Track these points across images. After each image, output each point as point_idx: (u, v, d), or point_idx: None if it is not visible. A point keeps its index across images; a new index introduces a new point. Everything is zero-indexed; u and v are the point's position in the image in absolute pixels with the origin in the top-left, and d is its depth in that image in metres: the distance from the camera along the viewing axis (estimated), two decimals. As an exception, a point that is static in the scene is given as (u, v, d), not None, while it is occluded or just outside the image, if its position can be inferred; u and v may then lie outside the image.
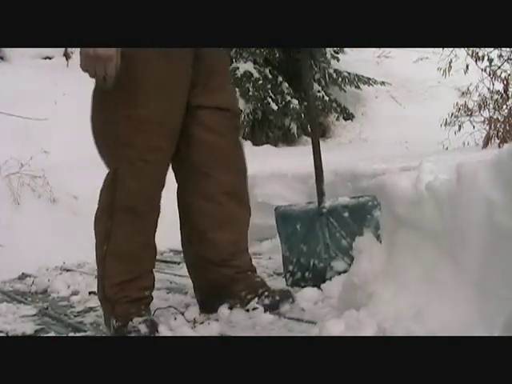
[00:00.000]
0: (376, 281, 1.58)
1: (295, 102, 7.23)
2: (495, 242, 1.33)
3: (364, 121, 8.06)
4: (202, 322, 2.12)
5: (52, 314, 2.54)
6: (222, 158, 2.21)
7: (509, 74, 5.27)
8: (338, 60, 7.86)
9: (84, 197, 4.25)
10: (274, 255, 3.06)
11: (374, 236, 1.71)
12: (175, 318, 2.15)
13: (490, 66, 5.34)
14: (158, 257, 2.28)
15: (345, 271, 2.16)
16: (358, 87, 7.99)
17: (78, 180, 4.44)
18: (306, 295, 2.22)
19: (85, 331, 2.22)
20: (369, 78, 7.90)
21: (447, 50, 5.70)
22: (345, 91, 8.05)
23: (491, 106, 5.21)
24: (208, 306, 2.23)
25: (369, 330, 1.44)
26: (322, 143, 2.52)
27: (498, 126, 4.92)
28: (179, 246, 2.41)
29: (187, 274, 2.40)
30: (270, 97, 7.19)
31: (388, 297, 1.52)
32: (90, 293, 2.71)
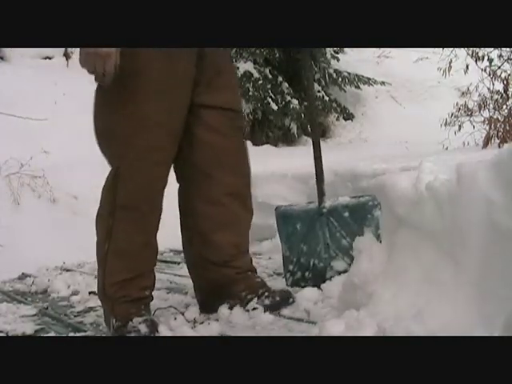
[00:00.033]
0: (376, 281, 1.57)
1: (295, 101, 7.23)
2: (495, 242, 1.33)
3: (364, 121, 8.06)
4: (202, 322, 2.12)
5: (52, 314, 2.54)
6: (225, 159, 2.20)
7: (509, 74, 5.27)
8: (338, 60, 7.86)
9: (84, 197, 4.26)
10: (274, 255, 3.06)
11: (374, 236, 1.70)
12: (175, 318, 2.15)
13: (490, 66, 5.33)
14: (158, 257, 2.28)
15: (345, 271, 2.16)
16: (357, 87, 7.99)
17: (78, 180, 4.44)
18: (306, 295, 2.22)
19: (85, 331, 2.22)
20: (369, 78, 7.90)
21: (447, 50, 5.70)
22: (345, 91, 8.04)
23: (491, 106, 5.21)
24: (208, 306, 2.23)
25: (369, 330, 1.44)
26: (322, 143, 2.52)
27: (498, 125, 4.91)
28: (179, 246, 2.41)
29: (187, 274, 2.41)
30: (270, 97, 7.19)
31: (388, 297, 1.52)
32: (89, 293, 2.71)
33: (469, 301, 1.36)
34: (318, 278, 2.37)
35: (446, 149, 5.17)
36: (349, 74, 7.89)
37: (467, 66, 5.53)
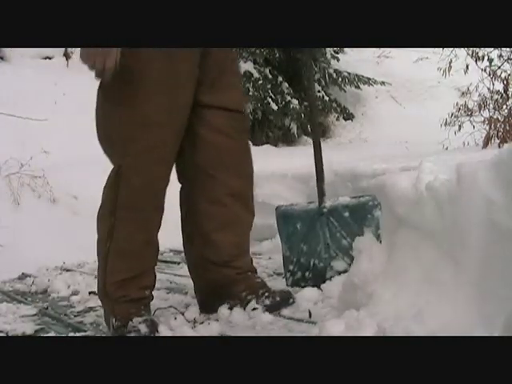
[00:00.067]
0: (376, 281, 1.57)
1: (295, 101, 7.23)
2: (495, 242, 1.33)
3: (364, 121, 8.06)
4: (202, 322, 2.12)
5: (52, 314, 2.54)
6: (228, 159, 2.20)
7: (509, 74, 5.27)
8: (338, 60, 7.86)
9: (84, 197, 4.26)
10: (274, 255, 3.06)
11: (375, 236, 1.70)
12: (175, 318, 2.15)
13: (490, 66, 5.34)
14: (158, 257, 2.28)
15: (345, 271, 2.16)
16: (358, 87, 7.99)
17: (78, 180, 4.44)
18: (306, 295, 2.22)
19: (85, 331, 2.22)
20: (369, 78, 7.90)
21: (447, 50, 5.70)
22: (345, 91, 8.05)
23: (491, 106, 5.21)
24: (208, 306, 2.23)
25: (369, 330, 1.44)
26: (322, 143, 2.52)
27: (498, 125, 4.92)
28: (179, 246, 2.41)
29: (187, 274, 2.40)
30: (270, 97, 7.19)
31: (388, 297, 1.52)
32: (89, 293, 2.71)
33: (469, 301, 1.36)
34: (318, 278, 2.37)
35: (446, 149, 5.17)
36: (349, 73, 7.90)
37: (467, 66, 5.53)
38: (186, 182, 2.26)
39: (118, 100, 2.06)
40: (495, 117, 5.08)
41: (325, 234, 2.40)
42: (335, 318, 1.61)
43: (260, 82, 7.12)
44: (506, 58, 5.33)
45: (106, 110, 2.10)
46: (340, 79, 7.84)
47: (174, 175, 2.24)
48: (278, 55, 7.40)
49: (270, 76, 7.32)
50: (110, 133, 2.10)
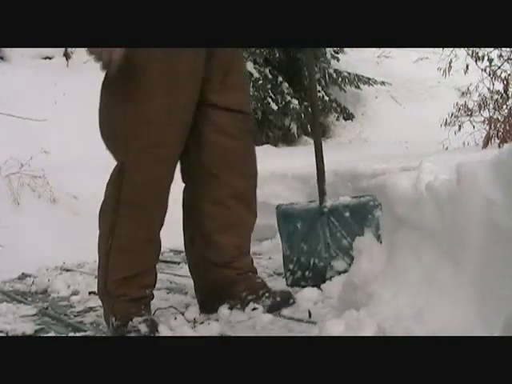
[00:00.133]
0: (376, 281, 1.57)
1: (295, 101, 7.22)
2: (495, 242, 1.33)
3: (364, 121, 8.05)
4: (202, 322, 2.12)
5: (52, 314, 2.54)
6: (232, 160, 2.20)
7: (509, 74, 5.27)
8: (338, 60, 7.85)
9: (84, 197, 4.26)
10: (274, 255, 3.06)
11: (375, 236, 1.70)
12: (175, 318, 2.15)
13: (490, 66, 5.33)
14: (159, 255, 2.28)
15: (345, 271, 2.16)
16: (358, 87, 7.98)
17: (78, 180, 4.44)
18: (306, 295, 2.22)
19: (85, 331, 2.22)
20: (369, 78, 7.90)
21: (447, 50, 5.69)
22: (345, 91, 8.04)
23: (491, 106, 5.20)
24: (208, 306, 2.23)
25: (369, 330, 1.44)
26: (322, 143, 2.52)
27: (498, 125, 4.91)
28: (179, 246, 2.41)
29: (187, 274, 2.40)
30: (270, 97, 7.18)
31: (388, 297, 1.51)
32: (90, 293, 2.71)
33: (469, 301, 1.36)
34: (318, 278, 2.37)
35: (446, 149, 5.16)
36: (349, 73, 7.89)
37: (467, 66, 5.52)
38: (189, 182, 2.26)
39: (121, 96, 2.06)
40: (495, 117, 5.07)
41: (325, 233, 2.40)
42: (335, 317, 1.61)
43: (260, 81, 7.10)
44: (506, 57, 5.33)
45: (110, 106, 2.11)
46: (340, 79, 7.82)
47: (176, 174, 2.24)
48: (277, 55, 7.39)
49: (270, 76, 7.31)
50: (113, 129, 2.10)
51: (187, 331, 2.00)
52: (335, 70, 7.82)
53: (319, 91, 7.46)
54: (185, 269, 2.79)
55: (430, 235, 1.48)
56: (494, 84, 5.30)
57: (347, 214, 2.37)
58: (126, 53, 1.94)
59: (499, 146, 4.53)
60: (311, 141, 7.10)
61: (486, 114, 5.20)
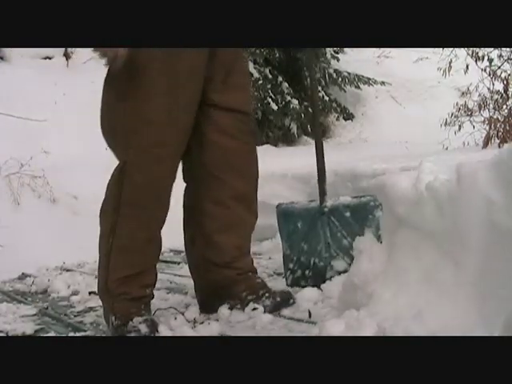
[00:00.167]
0: (376, 281, 1.57)
1: (295, 101, 7.22)
2: (495, 242, 1.33)
3: (364, 121, 8.05)
4: (202, 322, 2.12)
5: (52, 314, 2.54)
6: (234, 161, 2.20)
7: (509, 74, 5.26)
8: (338, 60, 7.85)
9: (84, 197, 4.26)
10: (274, 255, 3.06)
11: (375, 236, 1.70)
12: (175, 318, 2.15)
13: (490, 66, 5.33)
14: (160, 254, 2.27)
15: (345, 271, 2.16)
16: (358, 87, 7.98)
17: (78, 180, 4.44)
18: (306, 295, 2.22)
19: (85, 331, 2.22)
20: (369, 78, 7.89)
21: (447, 50, 5.69)
22: (345, 91, 8.03)
23: (491, 106, 5.20)
24: (208, 307, 2.24)
25: (369, 330, 1.44)
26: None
27: (498, 125, 4.91)
28: (179, 246, 2.41)
29: (187, 274, 2.40)
30: (270, 97, 7.18)
31: (388, 297, 1.51)
32: (90, 293, 2.71)
33: (469, 301, 1.36)
34: (318, 277, 2.37)
35: (446, 149, 5.16)
36: (349, 73, 7.89)
37: (467, 66, 5.52)
38: (191, 182, 2.26)
39: (122, 95, 2.06)
40: (495, 117, 5.07)
41: (325, 233, 2.40)
42: (335, 317, 1.61)
43: (260, 82, 7.10)
44: (506, 57, 5.33)
45: (111, 104, 2.11)
46: (340, 79, 7.82)
47: (177, 174, 2.23)
48: (277, 55, 7.39)
49: (270, 76, 7.31)
50: (114, 127, 2.10)
51: (187, 331, 2.00)
52: (335, 70, 7.82)
53: (319, 91, 7.46)
54: (185, 269, 2.79)
55: (430, 235, 1.48)
56: (494, 84, 5.30)
57: (348, 213, 2.37)
58: (129, 51, 1.94)
59: (499, 146, 4.53)
60: (311, 141, 7.12)
61: (486, 114, 5.19)
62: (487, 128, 4.99)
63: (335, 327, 1.52)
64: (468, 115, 5.38)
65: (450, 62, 5.65)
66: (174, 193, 2.21)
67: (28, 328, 2.32)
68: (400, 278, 1.52)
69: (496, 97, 5.22)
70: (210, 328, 2.03)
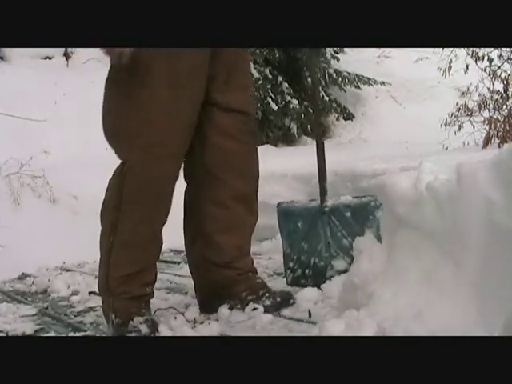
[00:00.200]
0: (376, 281, 1.57)
1: (295, 101, 7.22)
2: (495, 242, 1.33)
3: (364, 121, 8.05)
4: (202, 322, 2.12)
5: (52, 314, 2.54)
6: (235, 162, 2.20)
7: (509, 74, 5.27)
8: (338, 60, 7.85)
9: (84, 197, 4.26)
10: (274, 255, 3.06)
11: (376, 237, 1.71)
12: (175, 318, 2.15)
13: (490, 66, 5.33)
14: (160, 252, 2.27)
15: (345, 270, 2.16)
16: (358, 87, 7.98)
17: (78, 180, 4.44)
18: (306, 295, 2.22)
19: (85, 331, 2.22)
20: (369, 78, 7.89)
21: (447, 50, 5.69)
22: (345, 91, 8.04)
23: (491, 106, 5.20)
24: (208, 307, 2.24)
25: (369, 330, 1.44)
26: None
27: (498, 125, 4.91)
28: (179, 246, 2.41)
29: (187, 274, 2.40)
30: (270, 97, 7.18)
31: (388, 297, 1.52)
32: (89, 293, 2.71)
33: (469, 301, 1.36)
34: (318, 277, 2.37)
35: (446, 149, 5.16)
36: (349, 73, 7.89)
37: (467, 66, 5.52)
38: (191, 182, 2.27)
39: (123, 95, 2.07)
40: (495, 117, 5.07)
41: (326, 233, 2.40)
42: (335, 317, 1.61)
43: (260, 82, 7.10)
44: (506, 57, 5.33)
45: (113, 103, 2.11)
46: (340, 79, 7.82)
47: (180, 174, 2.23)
48: (277, 55, 7.39)
49: (270, 76, 7.31)
50: (116, 126, 2.10)
51: (187, 331, 2.00)
52: (335, 70, 7.82)
53: (319, 91, 7.46)
54: (185, 269, 2.79)
55: (430, 235, 1.48)
56: (494, 84, 5.30)
57: (348, 213, 2.37)
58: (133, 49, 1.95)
59: (499, 146, 4.53)
60: (311, 141, 7.12)
61: (486, 114, 5.20)
62: (487, 128, 4.99)
63: (335, 327, 1.52)
64: (468, 115, 5.38)
65: (450, 62, 5.65)
66: (174, 193, 2.21)
67: (28, 328, 2.32)
68: (400, 277, 1.52)
69: (496, 97, 5.22)
70: (210, 328, 2.03)
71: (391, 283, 1.53)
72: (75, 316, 2.50)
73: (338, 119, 8.00)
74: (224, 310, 2.17)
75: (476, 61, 5.34)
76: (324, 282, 2.31)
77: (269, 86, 7.22)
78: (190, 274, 2.38)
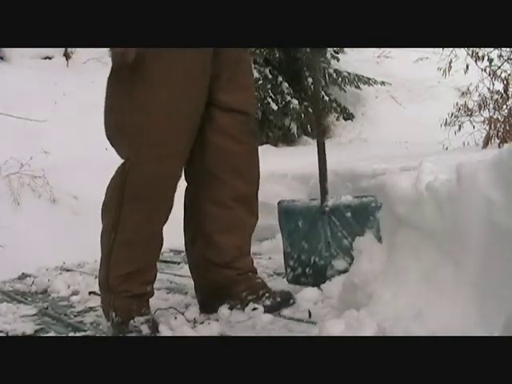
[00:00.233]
0: (376, 281, 1.57)
1: (295, 101, 7.23)
2: (495, 242, 1.33)
3: (364, 121, 8.05)
4: (202, 322, 2.12)
5: (52, 314, 2.54)
6: (236, 163, 2.20)
7: (509, 74, 5.26)
8: (338, 60, 7.85)
9: (84, 197, 4.26)
10: (274, 255, 3.06)
11: (376, 238, 1.70)
12: (175, 318, 2.15)
13: (490, 66, 5.33)
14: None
15: (345, 270, 2.16)
16: (358, 87, 7.99)
17: (78, 180, 4.44)
18: (306, 295, 2.22)
19: (85, 331, 2.22)
20: (369, 78, 7.90)
21: (447, 50, 5.69)
22: (345, 91, 8.04)
23: (491, 106, 5.20)
24: (208, 306, 2.24)
25: (369, 330, 1.44)
26: (322, 143, 2.51)
27: (498, 125, 4.91)
28: (179, 246, 2.41)
29: (187, 274, 2.40)
30: (270, 97, 7.18)
31: (388, 297, 1.52)
32: (89, 293, 2.71)
33: (469, 301, 1.36)
34: (318, 275, 2.38)
35: (446, 149, 5.16)
36: (349, 73, 7.90)
37: (467, 66, 5.52)
38: (192, 182, 2.27)
39: (126, 93, 2.06)
40: (495, 117, 5.07)
41: (326, 232, 2.40)
42: (335, 317, 1.61)
43: (260, 82, 7.11)
44: (506, 57, 5.33)
45: (116, 101, 2.10)
46: (340, 79, 7.83)
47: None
48: (278, 55, 7.39)
49: (270, 76, 7.32)
50: (118, 124, 2.10)
51: (187, 331, 2.00)
52: (335, 70, 7.82)
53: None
54: (185, 269, 2.79)
55: (430, 235, 1.48)
56: (494, 84, 5.30)
57: (349, 214, 2.37)
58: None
59: (499, 146, 4.53)
60: (311, 141, 7.12)
61: (486, 114, 5.20)
62: (487, 128, 4.99)
63: (335, 327, 1.52)
64: (468, 115, 5.38)
65: (450, 62, 5.65)
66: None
67: (28, 328, 2.32)
68: (400, 277, 1.52)
69: (496, 97, 5.22)
70: (210, 328, 2.03)
71: (391, 283, 1.53)
72: (75, 316, 2.50)
73: (338, 119, 8.01)
74: (224, 310, 2.17)
75: (476, 61, 5.34)
76: (324, 282, 2.31)
77: (269, 86, 7.22)
78: (190, 274, 2.38)
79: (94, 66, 6.19)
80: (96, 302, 2.42)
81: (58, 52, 6.79)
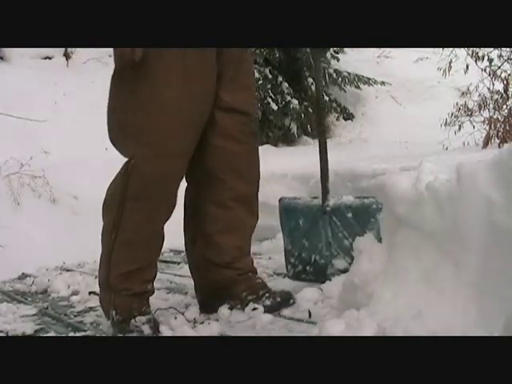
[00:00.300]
0: (376, 281, 1.57)
1: (295, 101, 7.23)
2: (495, 242, 1.33)
3: (364, 121, 8.05)
4: (202, 322, 2.12)
5: (52, 314, 2.54)
6: (235, 163, 2.20)
7: (509, 74, 5.27)
8: (338, 60, 7.85)
9: (84, 197, 4.26)
10: (274, 255, 3.06)
11: (376, 239, 1.70)
12: (175, 318, 2.15)
13: (490, 66, 5.33)
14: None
15: (345, 270, 2.16)
16: (358, 87, 7.98)
17: (78, 180, 4.44)
18: (306, 295, 2.22)
19: (85, 331, 2.22)
20: (369, 78, 7.90)
21: (447, 50, 5.70)
22: (345, 91, 8.04)
23: (491, 106, 5.20)
24: (208, 306, 2.24)
25: (369, 330, 1.44)
26: (321, 143, 2.51)
27: (498, 125, 4.91)
28: (179, 246, 2.41)
29: (187, 274, 2.40)
30: (270, 97, 7.18)
31: (388, 297, 1.52)
32: (89, 293, 2.71)
33: (469, 301, 1.36)
34: (318, 274, 2.38)
35: (446, 149, 5.16)
36: (349, 73, 7.89)
37: (467, 66, 5.52)
38: (192, 182, 2.27)
39: (129, 93, 2.06)
40: (495, 117, 5.07)
41: (327, 232, 2.41)
42: (335, 317, 1.61)
43: (260, 82, 7.10)
44: (506, 57, 5.33)
45: (120, 100, 2.10)
46: (340, 79, 7.83)
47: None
48: (278, 55, 7.39)
49: (270, 76, 7.31)
50: (122, 124, 2.10)
51: (187, 331, 2.00)
52: (335, 70, 7.82)
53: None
54: (185, 269, 2.79)
55: (430, 235, 1.48)
56: (494, 84, 5.30)
57: (349, 214, 2.37)
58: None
59: (499, 146, 4.53)
60: (311, 141, 7.12)
61: (486, 114, 5.20)
62: (487, 128, 4.99)
63: (335, 327, 1.52)
64: (468, 115, 5.38)
65: (450, 62, 5.65)
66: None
67: (28, 328, 2.32)
68: (400, 277, 1.52)
69: (496, 97, 5.22)
70: (210, 328, 2.03)
71: (391, 283, 1.53)
72: (75, 316, 2.50)
73: (338, 119, 8.00)
74: (224, 309, 2.17)
75: (476, 61, 5.34)
76: (324, 281, 2.31)
77: (269, 86, 7.22)
78: (190, 274, 2.38)
79: (94, 65, 6.19)
80: (96, 302, 2.42)
81: (58, 52, 6.79)
